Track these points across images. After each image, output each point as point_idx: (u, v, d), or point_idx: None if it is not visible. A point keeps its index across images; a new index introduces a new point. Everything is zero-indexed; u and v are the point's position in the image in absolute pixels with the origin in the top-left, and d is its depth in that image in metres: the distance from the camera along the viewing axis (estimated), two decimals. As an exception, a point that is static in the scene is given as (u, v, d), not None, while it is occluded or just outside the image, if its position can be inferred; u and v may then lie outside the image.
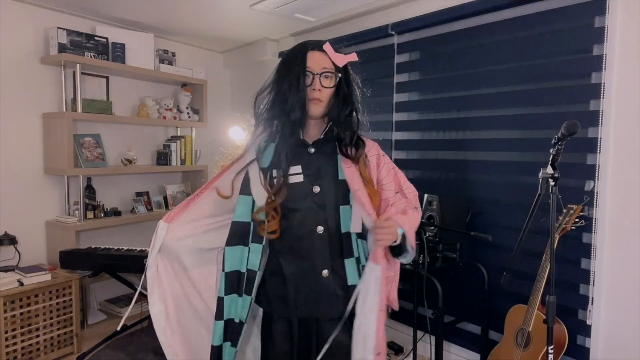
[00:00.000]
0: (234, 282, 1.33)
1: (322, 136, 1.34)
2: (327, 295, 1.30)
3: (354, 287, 1.29)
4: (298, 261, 1.30)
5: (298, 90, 1.24)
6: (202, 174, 3.89)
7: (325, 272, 1.29)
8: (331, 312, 1.31)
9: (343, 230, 1.31)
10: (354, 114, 1.33)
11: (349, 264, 1.32)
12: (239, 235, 1.33)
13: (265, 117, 1.32)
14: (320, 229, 1.29)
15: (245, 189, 1.33)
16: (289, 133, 1.27)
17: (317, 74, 1.26)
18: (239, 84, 4.34)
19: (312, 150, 1.32)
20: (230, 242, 1.34)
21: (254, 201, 1.31)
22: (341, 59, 1.28)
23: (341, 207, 1.31)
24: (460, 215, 2.53)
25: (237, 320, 1.34)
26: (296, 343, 1.34)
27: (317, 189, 1.29)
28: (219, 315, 1.33)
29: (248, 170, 1.34)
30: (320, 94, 1.26)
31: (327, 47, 1.27)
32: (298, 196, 1.29)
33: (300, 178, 1.29)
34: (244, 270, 1.33)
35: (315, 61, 1.26)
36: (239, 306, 1.33)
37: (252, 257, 1.31)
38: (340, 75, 1.29)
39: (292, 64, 1.26)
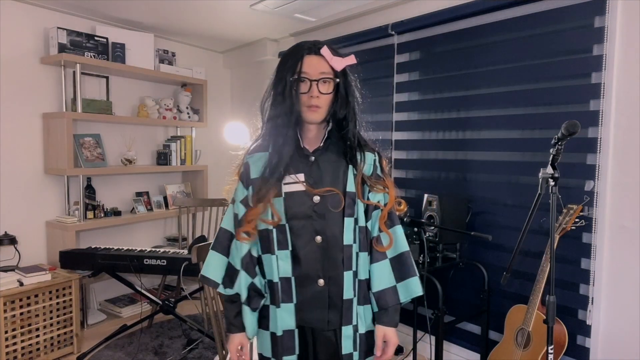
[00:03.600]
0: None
1: (321, 144, 1.30)
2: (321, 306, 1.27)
3: (349, 301, 1.26)
4: (298, 268, 1.27)
5: (291, 97, 1.20)
6: (202, 174, 3.90)
7: (320, 282, 1.26)
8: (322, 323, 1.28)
9: (345, 243, 1.26)
10: (353, 118, 1.29)
11: (347, 277, 1.27)
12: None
13: (265, 124, 1.29)
14: (318, 238, 1.25)
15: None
16: (281, 143, 1.23)
17: (314, 80, 1.21)
18: (239, 84, 4.34)
19: (313, 158, 1.28)
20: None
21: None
22: (339, 63, 1.23)
23: (346, 218, 1.26)
24: (460, 215, 2.53)
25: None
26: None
27: (317, 199, 1.25)
28: None
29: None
30: (318, 101, 1.22)
31: (324, 51, 1.22)
32: (297, 205, 1.25)
33: (300, 187, 1.25)
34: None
35: (312, 66, 1.21)
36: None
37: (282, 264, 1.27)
38: (338, 80, 1.25)
39: (287, 69, 1.22)
